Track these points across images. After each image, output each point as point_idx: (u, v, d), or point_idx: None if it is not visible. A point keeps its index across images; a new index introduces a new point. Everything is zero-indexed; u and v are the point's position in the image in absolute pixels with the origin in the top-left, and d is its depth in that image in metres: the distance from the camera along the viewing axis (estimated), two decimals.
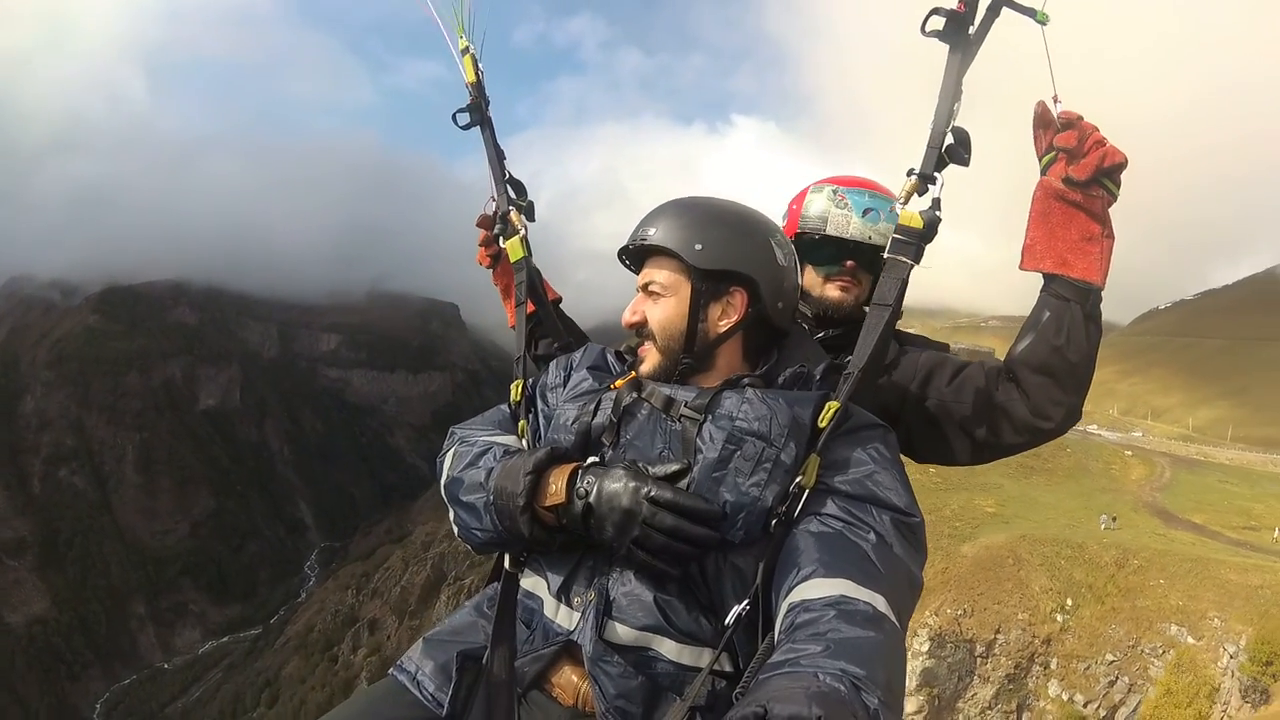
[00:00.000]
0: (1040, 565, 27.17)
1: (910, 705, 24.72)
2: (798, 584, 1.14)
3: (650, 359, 1.50)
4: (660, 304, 1.49)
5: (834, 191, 1.96)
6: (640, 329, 1.52)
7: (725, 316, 1.49)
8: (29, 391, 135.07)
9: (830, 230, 1.92)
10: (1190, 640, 23.70)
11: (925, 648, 25.45)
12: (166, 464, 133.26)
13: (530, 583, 1.45)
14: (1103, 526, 31.92)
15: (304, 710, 67.15)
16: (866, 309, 1.53)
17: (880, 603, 1.09)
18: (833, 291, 1.96)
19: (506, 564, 1.50)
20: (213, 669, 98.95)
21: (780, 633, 1.09)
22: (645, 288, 1.52)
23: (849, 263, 1.94)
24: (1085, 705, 24.43)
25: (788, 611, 1.10)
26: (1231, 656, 22.69)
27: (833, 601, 1.07)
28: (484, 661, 1.43)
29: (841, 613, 1.05)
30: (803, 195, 2.02)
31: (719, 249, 1.46)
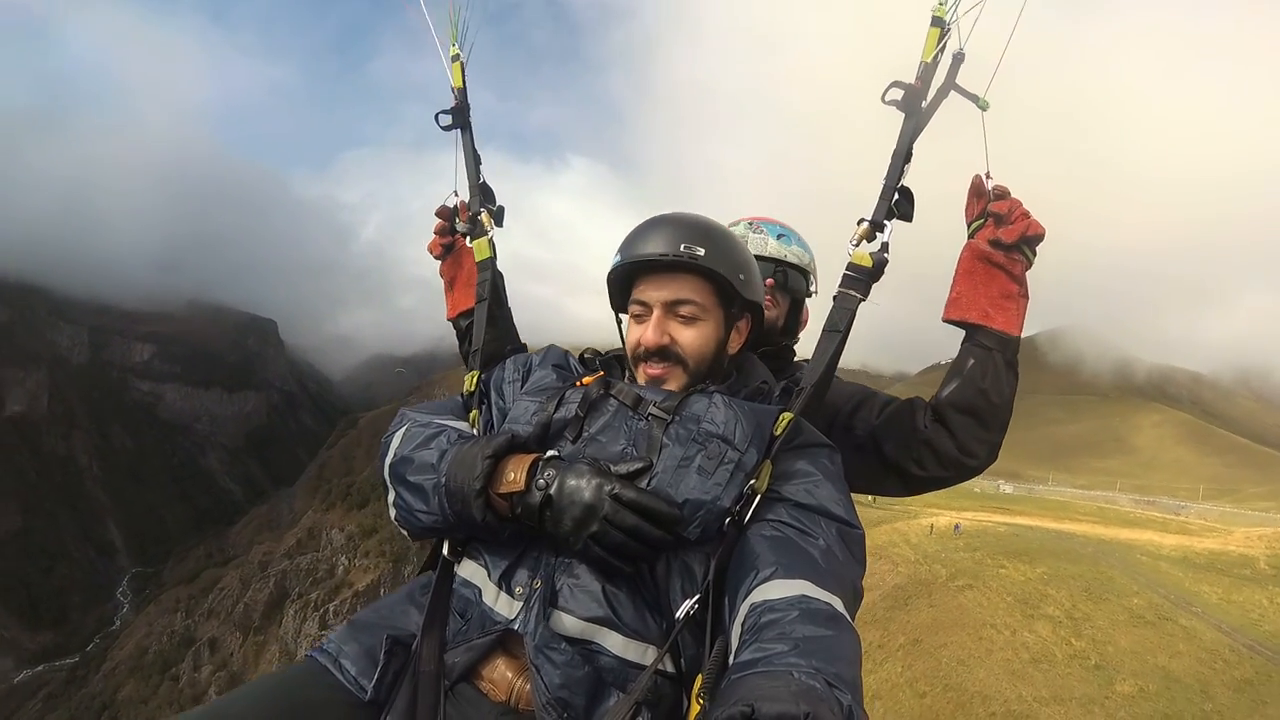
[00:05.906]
0: None
1: None
2: (758, 585, 1.13)
3: (675, 382, 1.49)
4: (696, 328, 1.49)
5: (749, 224, 2.19)
6: (665, 350, 1.48)
7: (734, 343, 1.57)
8: None
9: (752, 249, 1.98)
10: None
11: None
12: None
13: (468, 570, 1.39)
14: None
15: None
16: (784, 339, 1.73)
17: (838, 604, 1.10)
18: None
19: (445, 551, 1.46)
20: (31, 699, 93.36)
21: (744, 632, 1.07)
22: (673, 308, 1.48)
23: (769, 280, 2.10)
24: None
25: (749, 612, 1.09)
26: None
27: (795, 601, 1.07)
28: (413, 648, 1.37)
29: (804, 612, 1.05)
30: None
31: (753, 281, 1.53)
